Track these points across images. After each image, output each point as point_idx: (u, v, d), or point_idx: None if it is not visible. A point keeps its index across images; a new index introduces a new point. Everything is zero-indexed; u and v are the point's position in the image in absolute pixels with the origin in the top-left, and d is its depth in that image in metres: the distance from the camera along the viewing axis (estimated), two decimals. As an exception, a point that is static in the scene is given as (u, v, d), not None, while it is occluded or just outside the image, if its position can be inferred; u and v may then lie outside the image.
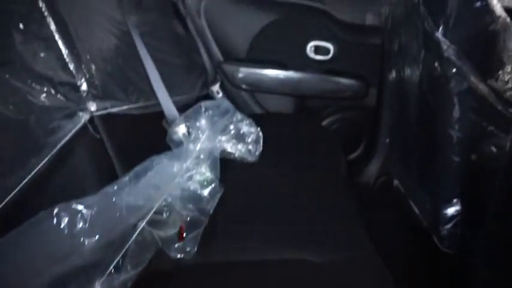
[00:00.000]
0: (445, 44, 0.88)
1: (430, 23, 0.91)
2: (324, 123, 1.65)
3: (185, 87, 1.34)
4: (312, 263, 0.76)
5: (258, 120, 1.25)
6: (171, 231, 0.78)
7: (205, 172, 0.95)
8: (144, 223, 0.70)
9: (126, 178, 0.74)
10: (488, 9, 0.80)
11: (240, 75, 1.61)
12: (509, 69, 0.83)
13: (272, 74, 1.60)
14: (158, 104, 1.08)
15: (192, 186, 0.87)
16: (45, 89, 0.70)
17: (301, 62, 1.59)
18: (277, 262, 0.77)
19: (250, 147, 1.17)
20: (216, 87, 1.57)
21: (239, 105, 1.64)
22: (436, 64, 0.92)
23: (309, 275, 0.74)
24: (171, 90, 1.11)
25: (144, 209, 0.71)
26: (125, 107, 0.95)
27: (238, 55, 1.62)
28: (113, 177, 0.87)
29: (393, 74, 1.31)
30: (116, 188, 0.70)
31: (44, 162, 0.66)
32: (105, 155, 0.88)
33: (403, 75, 1.19)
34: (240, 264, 0.78)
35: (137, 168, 0.77)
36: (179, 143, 1.00)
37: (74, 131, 0.74)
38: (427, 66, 0.98)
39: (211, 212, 0.87)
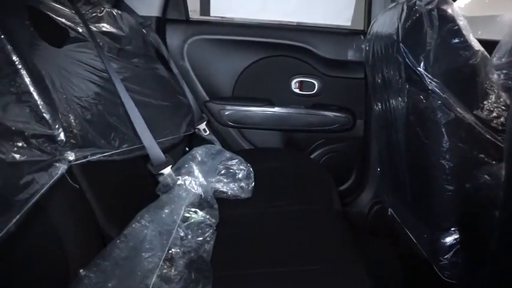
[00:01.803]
0: (428, 77, 0.90)
1: (411, 59, 0.94)
2: (313, 156, 1.66)
3: (171, 128, 1.33)
4: None
5: (247, 156, 1.25)
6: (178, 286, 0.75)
7: (200, 216, 0.93)
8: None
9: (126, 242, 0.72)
10: (466, 44, 0.83)
11: (227, 113, 1.62)
12: (493, 99, 0.86)
13: (258, 110, 1.62)
14: (143, 147, 1.06)
15: (190, 232, 0.85)
16: (16, 144, 0.67)
17: (286, 98, 1.63)
18: None
19: (242, 184, 1.16)
20: (202, 126, 1.57)
21: (227, 142, 1.65)
22: (421, 97, 0.95)
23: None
24: (156, 132, 1.10)
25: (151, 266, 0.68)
26: (107, 154, 0.93)
27: (223, 94, 1.64)
28: (94, 229, 0.84)
29: (378, 106, 1.34)
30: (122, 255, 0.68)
31: (14, 220, 0.62)
32: (86, 205, 0.84)
33: (389, 107, 1.21)
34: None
35: (130, 230, 0.75)
36: (169, 190, 0.99)
37: (50, 183, 0.71)
38: (412, 98, 1.01)
39: (210, 258, 0.84)
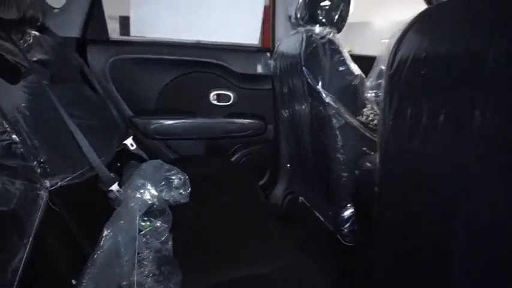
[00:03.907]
0: (324, 93, 1.21)
1: (312, 79, 1.24)
2: (233, 158, 1.89)
3: (105, 147, 1.40)
4: (264, 275, 0.95)
5: (180, 165, 1.42)
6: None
7: (155, 223, 1.08)
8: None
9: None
10: (349, 71, 1.16)
11: (152, 126, 1.75)
12: (369, 108, 1.21)
13: (181, 122, 1.79)
14: (93, 168, 1.15)
15: (150, 237, 1.00)
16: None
17: (206, 109, 1.82)
18: (240, 279, 0.94)
19: (181, 190, 1.33)
20: (129, 141, 1.66)
21: (154, 154, 1.77)
22: (321, 108, 1.25)
23: (268, 285, 0.93)
24: (97, 152, 1.19)
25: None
26: (69, 178, 1.00)
27: (147, 108, 1.76)
28: (74, 243, 0.94)
29: (287, 112, 1.63)
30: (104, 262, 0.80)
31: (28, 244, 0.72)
32: (64, 224, 0.92)
33: (296, 113, 1.50)
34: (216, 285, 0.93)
35: (104, 241, 0.87)
36: (121, 204, 1.11)
37: (42, 208, 0.79)
38: (314, 109, 1.31)
39: (172, 255, 1.00)
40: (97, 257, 0.82)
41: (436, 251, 0.76)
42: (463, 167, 0.65)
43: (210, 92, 1.82)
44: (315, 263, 1.05)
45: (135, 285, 0.79)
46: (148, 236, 1.00)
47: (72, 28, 1.55)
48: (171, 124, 1.77)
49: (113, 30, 1.71)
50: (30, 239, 0.73)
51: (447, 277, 0.72)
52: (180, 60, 1.75)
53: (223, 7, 1.76)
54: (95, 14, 1.62)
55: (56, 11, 1.57)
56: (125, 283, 0.81)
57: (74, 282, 0.79)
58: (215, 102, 1.83)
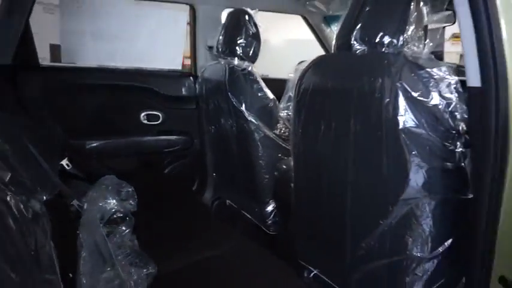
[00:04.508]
0: (247, 113, 1.53)
1: (236, 102, 1.55)
2: (166, 171, 2.09)
3: (53, 169, 1.51)
4: (218, 256, 1.20)
5: (125, 179, 1.59)
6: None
7: (118, 227, 1.26)
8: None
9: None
10: (266, 96, 1.50)
11: (88, 146, 1.86)
12: (281, 123, 1.56)
13: (115, 141, 1.94)
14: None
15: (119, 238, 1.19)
16: None
17: (138, 128, 2.00)
18: (202, 260, 1.17)
19: (130, 201, 1.51)
20: (65, 161, 1.76)
21: (90, 172, 1.88)
22: (245, 124, 1.56)
23: (225, 263, 1.18)
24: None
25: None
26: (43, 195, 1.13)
27: (82, 131, 1.87)
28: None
29: (213, 127, 1.90)
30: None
31: None
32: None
33: (223, 127, 1.78)
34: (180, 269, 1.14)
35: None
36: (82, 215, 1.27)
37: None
38: (239, 125, 1.61)
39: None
40: (86, 263, 0.99)
41: (334, 220, 1.12)
42: (345, 161, 1.01)
43: (141, 113, 2.00)
44: (252, 245, 1.34)
45: (121, 272, 0.98)
46: (117, 236, 1.18)
47: (2, 55, 1.61)
48: (106, 143, 1.91)
49: (43, 58, 1.79)
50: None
51: (343, 234, 1.08)
52: (111, 84, 1.90)
53: (149, 36, 1.98)
54: (25, 41, 1.69)
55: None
56: (111, 273, 0.99)
57: (70, 275, 0.94)
58: (145, 121, 2.02)
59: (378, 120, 0.89)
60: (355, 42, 0.99)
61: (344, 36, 1.03)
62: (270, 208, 1.69)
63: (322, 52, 2.52)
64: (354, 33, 0.99)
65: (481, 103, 0.79)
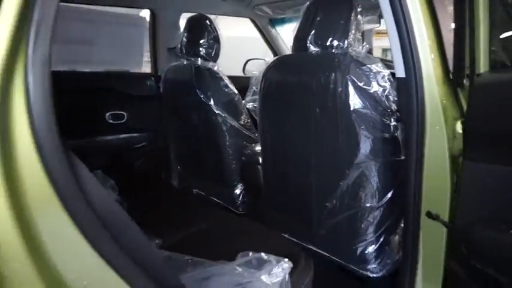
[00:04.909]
0: (215, 107, 1.73)
1: (204, 97, 1.74)
2: (134, 166, 2.21)
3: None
4: (206, 230, 1.39)
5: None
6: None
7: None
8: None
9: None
10: (231, 92, 1.71)
11: (56, 148, 1.92)
12: (245, 115, 1.79)
13: (83, 141, 2.01)
14: None
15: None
16: None
17: (104, 128, 2.09)
18: (192, 233, 1.34)
19: (115, 193, 1.64)
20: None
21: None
22: (212, 117, 1.76)
23: (214, 235, 1.38)
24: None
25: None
26: None
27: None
28: None
29: (177, 122, 2.06)
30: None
31: None
32: None
33: (190, 121, 1.94)
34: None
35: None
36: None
37: None
38: (208, 119, 1.80)
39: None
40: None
41: (301, 189, 1.38)
42: (308, 139, 1.27)
43: (106, 113, 2.10)
44: (234, 217, 1.55)
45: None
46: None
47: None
48: (74, 144, 1.97)
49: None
50: None
51: (309, 199, 1.34)
52: (76, 87, 1.98)
53: (111, 41, 2.08)
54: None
55: None
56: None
57: None
58: (111, 121, 2.12)
59: (333, 105, 1.16)
60: (310, 45, 1.25)
61: (301, 40, 1.28)
62: (238, 191, 1.90)
63: (261, 50, 2.81)
64: (309, 38, 1.25)
65: (405, 89, 1.08)
